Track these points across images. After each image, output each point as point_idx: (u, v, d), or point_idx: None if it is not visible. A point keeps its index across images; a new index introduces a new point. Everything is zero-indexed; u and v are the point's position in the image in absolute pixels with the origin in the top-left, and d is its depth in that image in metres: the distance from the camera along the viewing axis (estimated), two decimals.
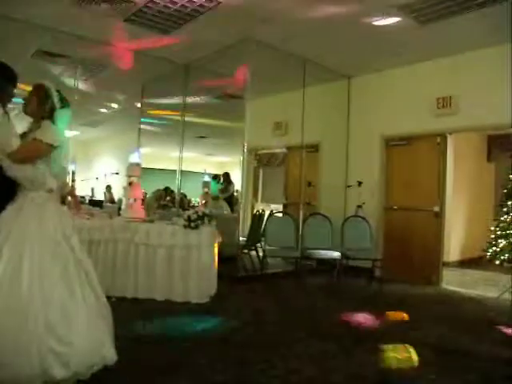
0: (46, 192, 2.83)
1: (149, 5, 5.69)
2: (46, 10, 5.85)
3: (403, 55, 7.06)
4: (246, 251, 7.21)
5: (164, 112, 10.49)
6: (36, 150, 2.82)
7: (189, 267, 5.31)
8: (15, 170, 2.77)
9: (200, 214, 5.37)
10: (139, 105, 9.57)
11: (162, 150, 15.31)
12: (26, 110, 2.94)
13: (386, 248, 7.56)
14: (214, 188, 10.58)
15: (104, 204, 9.95)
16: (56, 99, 2.91)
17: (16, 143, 2.74)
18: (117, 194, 12.78)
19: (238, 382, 3.15)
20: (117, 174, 11.87)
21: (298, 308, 5.39)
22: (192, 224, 5.29)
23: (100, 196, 13.53)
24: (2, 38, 6.58)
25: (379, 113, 7.87)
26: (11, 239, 2.63)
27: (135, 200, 5.86)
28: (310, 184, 8.65)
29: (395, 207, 7.62)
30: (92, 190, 13.99)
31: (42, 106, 2.91)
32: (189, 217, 5.32)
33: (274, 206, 10.48)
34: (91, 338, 2.65)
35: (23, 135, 2.88)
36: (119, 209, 6.51)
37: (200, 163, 16.28)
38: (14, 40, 6.76)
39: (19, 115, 3.01)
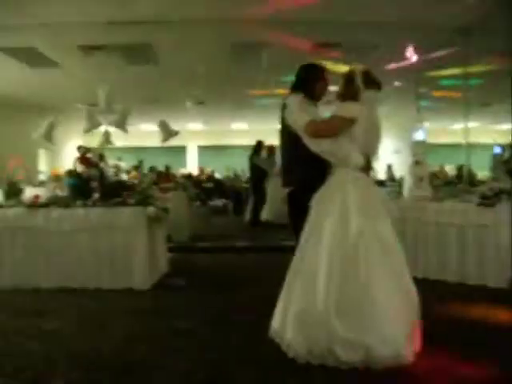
0: (352, 168, 2.97)
1: None
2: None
3: None
4: None
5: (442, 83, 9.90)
6: (329, 125, 3.05)
7: (484, 248, 4.92)
8: (312, 145, 3.05)
9: (496, 190, 4.91)
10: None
11: (441, 123, 14.64)
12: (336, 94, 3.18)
13: None
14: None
15: (386, 183, 10.02)
16: (359, 81, 3.01)
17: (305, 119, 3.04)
18: (398, 172, 12.72)
19: None
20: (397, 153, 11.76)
21: None
22: (487, 201, 4.87)
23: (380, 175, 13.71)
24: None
25: None
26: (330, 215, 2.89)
27: (422, 178, 5.71)
28: None
29: None
30: (389, 167, 14.04)
31: (347, 89, 3.07)
32: (483, 194, 4.92)
33: None
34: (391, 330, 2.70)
35: None
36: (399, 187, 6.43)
37: (484, 134, 14.96)
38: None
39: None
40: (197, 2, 6.11)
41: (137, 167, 13.16)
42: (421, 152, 5.88)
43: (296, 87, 3.39)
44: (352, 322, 2.66)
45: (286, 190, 3.39)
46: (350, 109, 2.97)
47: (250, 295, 4.56)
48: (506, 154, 9.59)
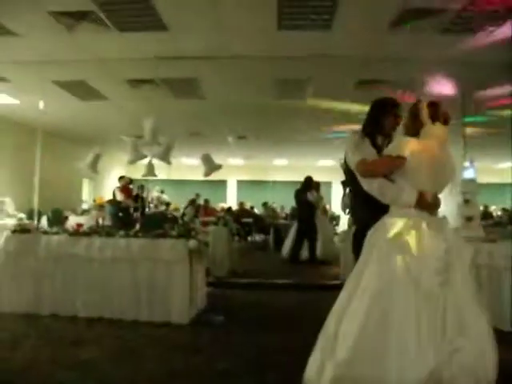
0: (402, 207, 2.80)
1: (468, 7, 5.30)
2: (359, 40, 6.14)
3: None
4: None
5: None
6: (377, 164, 2.94)
7: None
8: (364, 184, 2.96)
9: None
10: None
11: (486, 162, 14.20)
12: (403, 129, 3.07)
13: None
14: None
15: None
16: (425, 115, 2.88)
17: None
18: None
19: None
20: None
21: None
22: None
23: None
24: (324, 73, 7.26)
25: None
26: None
27: (471, 218, 5.47)
28: None
29: None
30: None
31: (411, 123, 2.94)
32: None
33: None
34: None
35: None
36: None
37: None
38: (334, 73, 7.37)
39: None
40: (242, 40, 6.21)
41: (193, 201, 12.98)
42: (470, 190, 5.66)
43: (365, 124, 3.32)
44: None
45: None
46: (399, 147, 2.84)
47: (287, 336, 4.38)
48: None
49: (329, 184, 17.29)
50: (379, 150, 3.11)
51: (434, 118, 2.87)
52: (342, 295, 2.76)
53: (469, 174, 5.75)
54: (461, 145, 8.79)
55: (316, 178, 10.21)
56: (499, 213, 14.28)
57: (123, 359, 3.69)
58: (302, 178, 10.03)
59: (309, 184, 9.71)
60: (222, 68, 7.24)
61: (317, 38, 6.07)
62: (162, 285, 4.79)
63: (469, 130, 8.93)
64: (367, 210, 3.00)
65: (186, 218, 5.36)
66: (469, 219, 5.52)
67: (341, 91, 8.33)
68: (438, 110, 2.90)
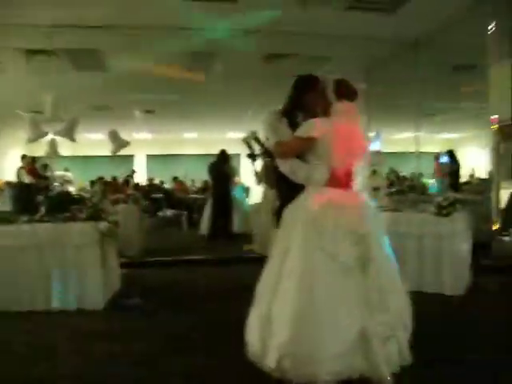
0: (317, 186, 2.85)
1: None
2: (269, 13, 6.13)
3: None
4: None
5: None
6: (288, 146, 2.96)
7: (441, 257, 5.00)
8: (280, 165, 2.99)
9: (451, 199, 4.99)
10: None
11: (388, 132, 14.93)
12: None
13: None
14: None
15: None
16: (330, 93, 2.89)
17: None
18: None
19: None
20: None
21: None
22: (444, 211, 4.94)
23: None
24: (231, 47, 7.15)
25: None
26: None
27: (378, 188, 5.75)
28: None
29: None
30: None
31: (320, 102, 2.94)
32: (439, 203, 4.99)
33: None
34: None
35: None
36: None
37: (425, 143, 15.46)
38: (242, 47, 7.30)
39: None
40: (146, 9, 5.93)
41: (100, 178, 12.22)
42: (376, 162, 5.93)
43: (285, 103, 3.25)
44: None
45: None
46: (307, 128, 2.86)
47: (208, 314, 4.38)
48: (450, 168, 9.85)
49: (238, 156, 17.36)
50: None
51: (340, 95, 2.88)
52: (269, 273, 2.80)
53: (375, 146, 5.99)
54: (366, 116, 9.18)
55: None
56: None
57: (37, 356, 3.44)
58: (212, 151, 9.93)
59: (226, 157, 9.62)
60: (125, 39, 6.88)
61: (224, 10, 5.96)
62: (74, 271, 4.55)
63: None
64: (288, 187, 3.04)
65: (94, 199, 5.07)
66: (375, 189, 5.80)
67: (249, 65, 8.32)
68: (343, 87, 2.92)
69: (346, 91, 2.91)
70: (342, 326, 2.55)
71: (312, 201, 2.79)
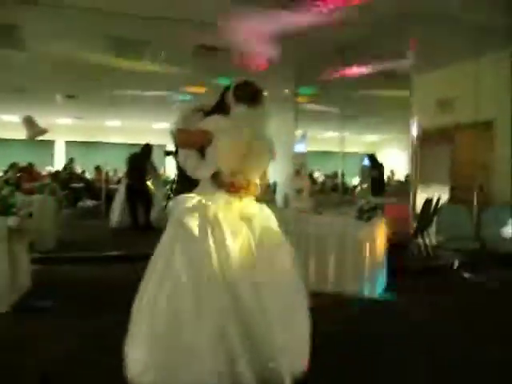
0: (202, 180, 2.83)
1: None
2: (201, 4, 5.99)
3: None
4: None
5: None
6: (187, 135, 2.88)
7: (361, 260, 5.12)
8: (179, 154, 2.96)
9: (372, 204, 5.12)
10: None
11: (315, 130, 15.21)
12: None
13: None
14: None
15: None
16: (230, 96, 2.85)
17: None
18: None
19: None
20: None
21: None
22: (364, 216, 5.06)
23: None
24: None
25: None
26: None
27: (302, 190, 5.79)
28: (482, 167, 7.92)
29: None
30: None
31: (221, 105, 2.90)
32: (361, 208, 5.10)
33: (433, 188, 9.81)
34: None
35: None
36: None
37: (350, 144, 15.90)
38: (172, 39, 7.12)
39: None
40: None
41: (13, 165, 11.34)
42: (301, 163, 5.95)
43: (212, 107, 3.06)
44: None
45: None
46: (206, 122, 2.78)
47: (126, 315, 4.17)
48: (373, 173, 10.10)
49: (163, 147, 17.00)
50: None
51: (237, 98, 2.82)
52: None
53: (300, 147, 6.02)
54: (292, 115, 9.28)
55: (151, 140, 10.13)
56: (322, 178, 15.67)
57: None
58: (136, 141, 9.68)
59: (149, 151, 9.56)
60: (45, 17, 6.43)
61: None
62: None
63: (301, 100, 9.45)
64: (185, 183, 2.97)
65: (3, 192, 4.65)
66: (299, 191, 5.83)
67: (179, 55, 8.10)
68: (239, 90, 2.84)
69: (241, 94, 2.82)
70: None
71: (187, 200, 2.73)
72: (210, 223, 2.59)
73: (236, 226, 2.64)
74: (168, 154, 6.24)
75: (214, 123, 2.75)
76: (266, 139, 2.92)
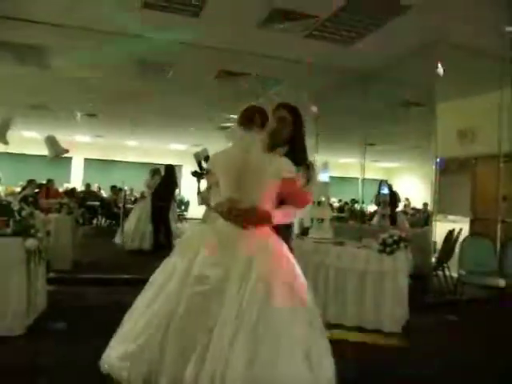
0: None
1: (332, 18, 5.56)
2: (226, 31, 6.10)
3: None
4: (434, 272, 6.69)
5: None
6: None
7: (382, 294, 5.00)
8: None
9: (396, 238, 5.00)
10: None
11: (332, 156, 15.20)
12: None
13: None
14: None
15: None
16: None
17: None
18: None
19: None
20: None
21: None
22: (387, 249, 4.95)
23: None
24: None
25: None
26: None
27: (323, 220, 5.70)
28: (505, 198, 7.76)
29: None
30: None
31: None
32: (384, 241, 4.99)
33: (451, 218, 9.65)
34: None
35: None
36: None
37: (366, 170, 15.85)
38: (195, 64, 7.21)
39: None
40: (98, 12, 5.64)
41: (31, 181, 11.25)
42: (323, 193, 5.87)
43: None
44: None
45: None
46: (208, 162, 2.90)
47: None
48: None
49: (179, 167, 17.09)
50: None
51: (238, 123, 2.80)
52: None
53: (324, 177, 5.95)
54: (312, 141, 9.25)
55: (167, 161, 10.40)
56: (337, 204, 15.58)
57: None
58: (153, 160, 9.76)
59: (173, 173, 9.63)
60: (73, 39, 6.54)
61: (183, 23, 5.80)
62: None
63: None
64: None
65: (24, 213, 4.57)
66: (320, 221, 5.74)
67: (200, 80, 8.20)
68: (241, 115, 2.83)
69: (239, 118, 2.83)
70: None
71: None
72: (195, 248, 2.53)
73: (221, 259, 2.44)
74: (197, 174, 6.11)
75: (212, 159, 2.84)
76: (265, 159, 2.64)
